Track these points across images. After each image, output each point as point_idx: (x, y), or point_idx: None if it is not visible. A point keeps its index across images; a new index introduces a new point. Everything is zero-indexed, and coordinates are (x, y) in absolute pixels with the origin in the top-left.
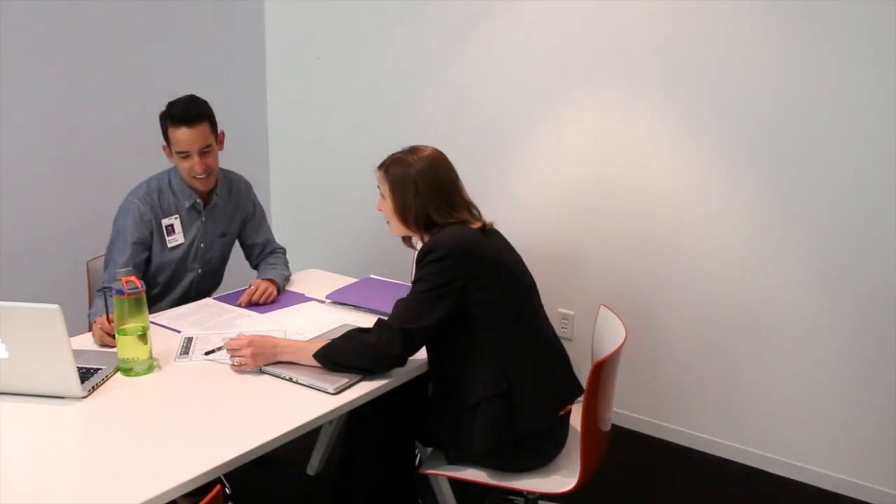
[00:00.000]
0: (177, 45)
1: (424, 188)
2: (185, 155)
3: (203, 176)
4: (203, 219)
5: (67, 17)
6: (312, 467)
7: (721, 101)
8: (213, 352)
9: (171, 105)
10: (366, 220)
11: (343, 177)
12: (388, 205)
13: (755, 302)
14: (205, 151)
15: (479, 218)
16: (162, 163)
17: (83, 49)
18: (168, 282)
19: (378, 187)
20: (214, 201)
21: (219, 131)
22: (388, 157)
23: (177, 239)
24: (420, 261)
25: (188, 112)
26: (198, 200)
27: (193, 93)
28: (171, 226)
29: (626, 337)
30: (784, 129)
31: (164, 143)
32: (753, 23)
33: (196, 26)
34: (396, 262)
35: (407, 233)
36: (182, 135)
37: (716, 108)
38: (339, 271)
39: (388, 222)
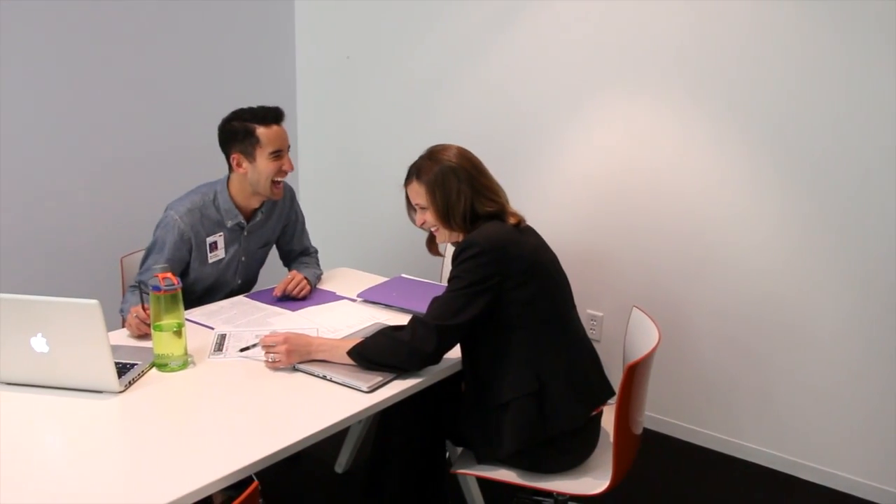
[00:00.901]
0: (207, 45)
1: (465, 174)
2: (278, 154)
3: (285, 176)
4: (245, 234)
5: (104, 21)
6: (340, 465)
7: (749, 101)
8: (247, 348)
9: (244, 111)
10: (394, 219)
11: (372, 176)
12: (430, 213)
13: (786, 303)
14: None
15: (514, 212)
16: (194, 159)
17: (117, 50)
18: (206, 292)
19: (413, 205)
20: (258, 218)
21: None
22: (412, 169)
23: (219, 255)
24: (456, 258)
25: (277, 111)
26: (242, 220)
27: (224, 93)
28: (215, 243)
29: (659, 339)
30: (812, 128)
31: (236, 154)
32: (782, 23)
33: (226, 26)
34: (425, 261)
35: (455, 236)
36: (275, 132)
37: (744, 107)
38: (368, 271)
39: (435, 230)
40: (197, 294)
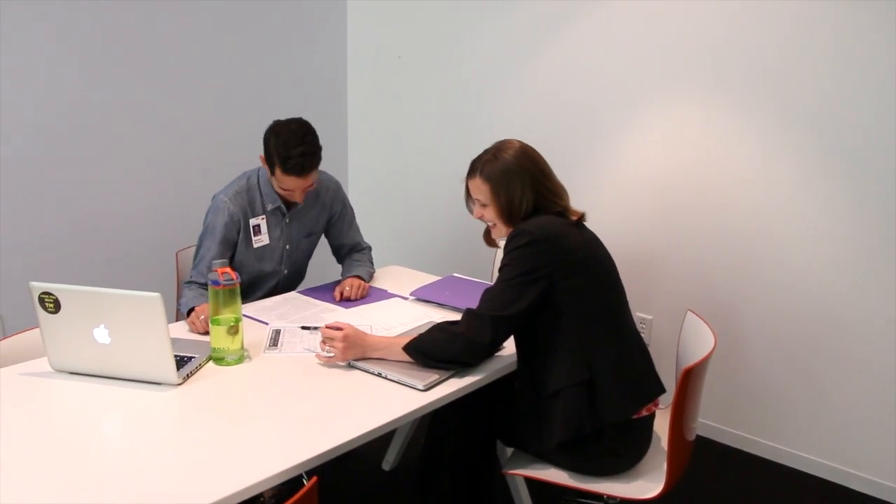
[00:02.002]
0: (262, 43)
1: (528, 177)
2: (289, 192)
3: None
4: (287, 220)
5: (167, 20)
6: (388, 462)
7: (816, 105)
8: (308, 328)
9: (285, 145)
10: (445, 218)
11: (423, 175)
12: (492, 209)
13: (840, 311)
14: (307, 188)
15: (575, 210)
16: (248, 157)
17: (177, 49)
18: (253, 281)
19: (472, 199)
20: (299, 206)
21: None
22: (476, 163)
23: (262, 239)
24: (506, 247)
25: (304, 164)
26: (282, 205)
27: (277, 91)
28: (258, 226)
29: (715, 344)
30: (881, 137)
31: (264, 157)
32: (845, 23)
33: (280, 26)
34: (474, 260)
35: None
36: (290, 181)
37: (810, 112)
38: (418, 269)
39: (492, 226)
40: (244, 283)
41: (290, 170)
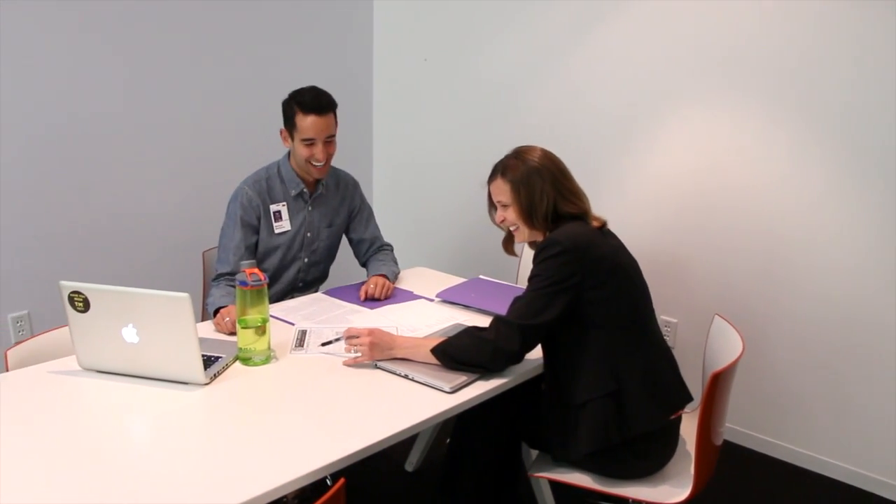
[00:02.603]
0: (288, 44)
1: (549, 175)
2: (311, 142)
3: (321, 164)
4: (310, 207)
5: (191, 21)
6: (411, 463)
7: (845, 108)
8: (329, 343)
9: (298, 93)
10: (469, 220)
11: (447, 177)
12: (512, 211)
13: (868, 317)
14: (328, 140)
15: (596, 216)
16: (274, 157)
17: (201, 49)
18: (275, 270)
19: (494, 201)
20: (320, 191)
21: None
22: (498, 166)
23: (284, 226)
24: (536, 256)
25: (319, 101)
26: (304, 189)
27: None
28: (279, 212)
29: (743, 349)
30: None
31: (283, 128)
32: (874, 25)
33: (306, 27)
34: (499, 262)
35: (535, 235)
36: (311, 122)
37: (839, 114)
38: (442, 270)
39: (515, 230)
40: (266, 273)
41: (307, 107)
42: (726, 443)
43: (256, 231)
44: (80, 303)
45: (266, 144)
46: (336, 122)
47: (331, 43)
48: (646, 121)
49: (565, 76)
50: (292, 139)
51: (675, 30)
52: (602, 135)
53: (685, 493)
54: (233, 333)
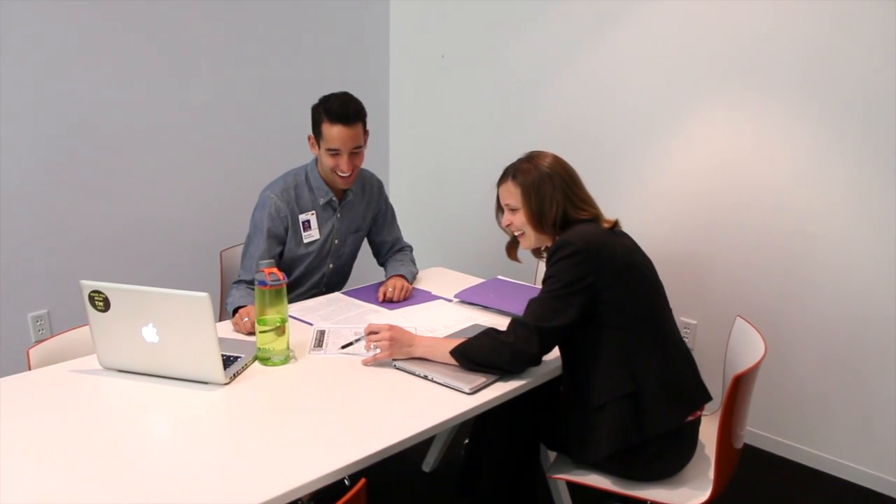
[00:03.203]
0: (305, 42)
1: (560, 182)
2: (336, 153)
3: (347, 175)
4: (338, 215)
5: (207, 22)
6: (428, 464)
7: (866, 105)
8: (349, 345)
9: (327, 100)
10: (487, 219)
11: (464, 175)
12: (521, 215)
13: (890, 319)
14: (354, 152)
15: (608, 219)
16: (295, 157)
17: (220, 50)
18: (300, 276)
19: (503, 205)
20: (349, 198)
21: (366, 130)
22: (509, 169)
23: (312, 235)
24: (550, 258)
25: (346, 110)
26: (333, 198)
27: (319, 90)
28: (308, 221)
29: (765, 351)
30: None
31: (311, 135)
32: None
33: (322, 25)
34: (515, 263)
35: (542, 241)
36: (336, 132)
37: (860, 112)
38: (459, 270)
39: (520, 235)
40: (291, 279)
41: (333, 116)
42: (745, 445)
43: (283, 241)
44: (101, 302)
45: (279, 143)
46: (365, 132)
47: (347, 41)
48: (666, 119)
49: (585, 74)
50: (319, 147)
51: (695, 28)
52: (622, 134)
53: (704, 495)
54: (251, 333)
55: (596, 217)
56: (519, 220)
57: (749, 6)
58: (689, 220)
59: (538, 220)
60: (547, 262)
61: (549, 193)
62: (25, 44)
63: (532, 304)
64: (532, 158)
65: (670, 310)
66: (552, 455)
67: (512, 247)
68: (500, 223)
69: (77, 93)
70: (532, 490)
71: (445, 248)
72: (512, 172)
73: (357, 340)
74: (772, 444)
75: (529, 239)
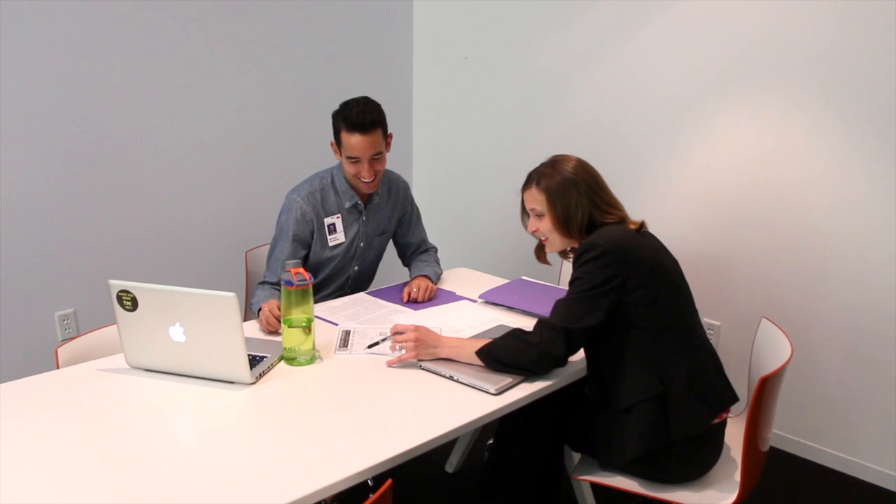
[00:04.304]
0: (327, 44)
1: (585, 187)
2: (356, 160)
3: (369, 181)
4: (363, 219)
5: (230, 22)
6: (451, 465)
7: (894, 104)
8: (375, 344)
9: (346, 107)
10: (510, 220)
11: (487, 177)
12: (547, 220)
13: None
14: (375, 158)
15: (634, 221)
16: (319, 158)
17: (243, 51)
18: (325, 279)
19: (528, 209)
20: (375, 201)
21: (388, 134)
22: (533, 175)
23: (338, 238)
24: (577, 260)
25: (363, 119)
26: (359, 201)
27: (342, 91)
28: (333, 225)
29: (792, 352)
30: None
31: (334, 141)
32: None
33: (346, 26)
34: (540, 263)
35: (568, 244)
36: (355, 141)
37: (886, 108)
38: (482, 271)
39: (545, 240)
40: (316, 281)
41: (352, 124)
42: (770, 448)
43: (308, 245)
44: (129, 302)
45: (304, 143)
46: (385, 137)
47: (370, 42)
48: (690, 118)
49: (609, 73)
50: (340, 155)
51: (721, 25)
52: (645, 133)
53: (731, 498)
54: (275, 331)
55: (622, 220)
56: (545, 225)
57: (775, 3)
58: (710, 219)
59: (564, 225)
60: (574, 264)
61: (574, 199)
62: (60, 44)
63: (559, 305)
64: (556, 164)
65: (696, 311)
66: (576, 456)
67: (541, 251)
68: (525, 226)
69: (105, 93)
70: (556, 492)
71: (468, 249)
72: (536, 178)
73: (383, 340)
74: (797, 447)
75: (555, 243)
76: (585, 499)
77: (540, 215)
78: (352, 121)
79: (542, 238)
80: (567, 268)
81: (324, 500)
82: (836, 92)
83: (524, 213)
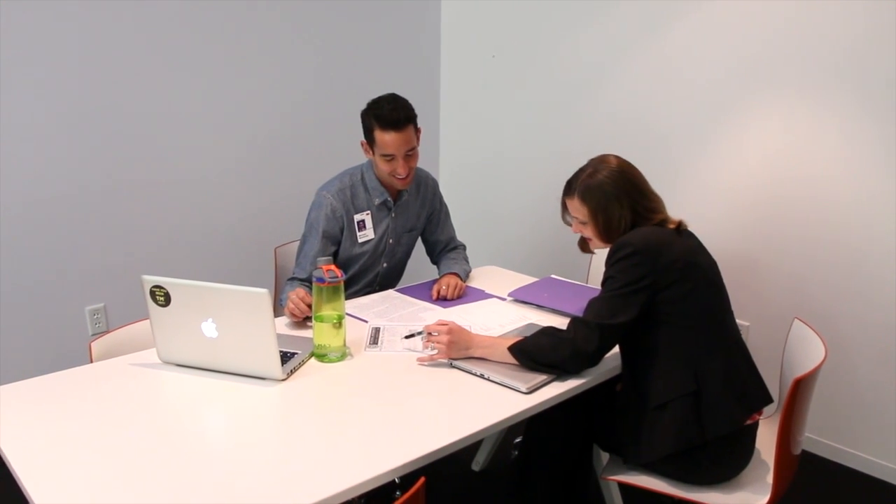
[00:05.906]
0: (357, 42)
1: (627, 200)
2: (391, 158)
3: (404, 177)
4: (393, 215)
5: (261, 20)
6: (478, 463)
7: None
8: (411, 336)
9: (376, 105)
10: (538, 218)
11: (514, 175)
12: (590, 228)
13: None
14: (409, 154)
15: (673, 220)
16: (348, 155)
17: (277, 48)
18: (354, 275)
19: (570, 216)
20: (404, 198)
21: (418, 129)
22: (575, 182)
23: (367, 234)
24: (609, 259)
25: (397, 116)
26: (388, 198)
27: (370, 89)
28: (363, 221)
29: (826, 354)
30: None
31: (364, 140)
32: None
33: (374, 24)
34: (568, 260)
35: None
36: (389, 139)
37: None
38: (509, 268)
39: (590, 240)
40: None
41: (385, 122)
42: (801, 451)
43: (338, 242)
44: (162, 297)
45: (334, 140)
46: (417, 132)
47: (399, 40)
48: (722, 117)
49: (639, 72)
50: (373, 152)
51: (754, 25)
52: (676, 132)
53: (763, 500)
54: (301, 319)
55: (662, 221)
56: (588, 231)
57: (803, 9)
58: (739, 217)
59: (606, 234)
60: (606, 263)
61: (616, 213)
62: (91, 44)
63: (592, 303)
64: (596, 172)
65: (731, 311)
66: (605, 457)
67: (584, 243)
68: (568, 224)
69: (141, 91)
70: (584, 492)
71: (497, 247)
72: (577, 188)
73: (418, 333)
74: (829, 451)
75: (598, 244)
76: (614, 499)
77: (583, 223)
78: (385, 118)
79: (588, 238)
80: (596, 267)
81: (352, 499)
82: (868, 88)
83: (566, 212)
